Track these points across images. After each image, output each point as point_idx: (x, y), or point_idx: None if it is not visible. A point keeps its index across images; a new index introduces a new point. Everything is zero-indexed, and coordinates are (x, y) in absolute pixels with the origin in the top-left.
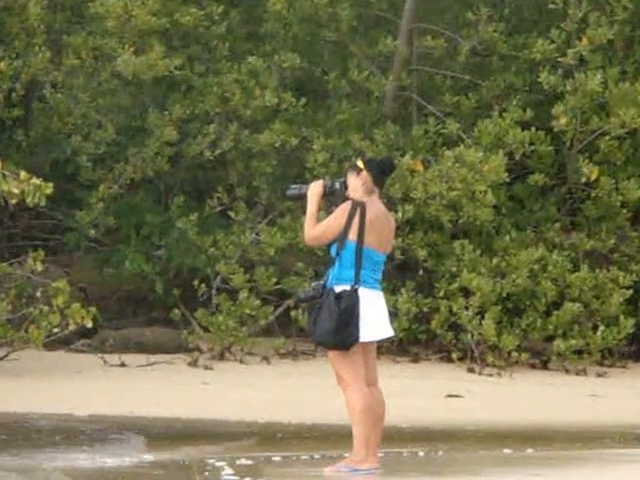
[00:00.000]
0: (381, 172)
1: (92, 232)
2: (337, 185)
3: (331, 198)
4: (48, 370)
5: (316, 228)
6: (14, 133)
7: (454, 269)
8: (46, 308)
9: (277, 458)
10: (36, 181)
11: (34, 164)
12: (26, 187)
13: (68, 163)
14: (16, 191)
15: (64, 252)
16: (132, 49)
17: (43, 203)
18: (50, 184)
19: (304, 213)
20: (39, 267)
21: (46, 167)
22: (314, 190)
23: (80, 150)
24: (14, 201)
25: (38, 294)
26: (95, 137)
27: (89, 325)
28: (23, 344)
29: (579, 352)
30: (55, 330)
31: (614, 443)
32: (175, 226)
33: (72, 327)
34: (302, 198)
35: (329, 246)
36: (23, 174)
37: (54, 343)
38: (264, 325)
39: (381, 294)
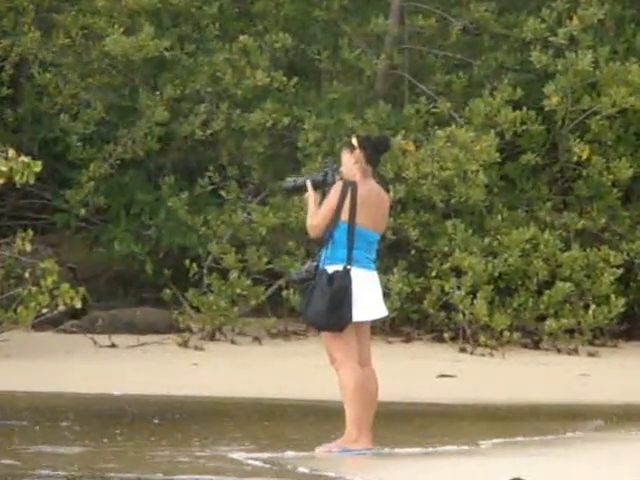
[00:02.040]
0: (375, 150)
1: (82, 211)
2: (319, 177)
3: (325, 188)
4: (37, 351)
5: (314, 217)
6: (3, 112)
7: (446, 249)
8: (35, 288)
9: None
10: (24, 159)
11: (23, 143)
12: (14, 165)
13: (57, 142)
14: (4, 169)
15: (53, 232)
16: (122, 29)
17: (32, 181)
18: (39, 162)
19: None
20: (27, 247)
21: (34, 146)
22: (309, 193)
23: (69, 129)
24: (2, 180)
25: (27, 274)
26: (84, 116)
27: (78, 305)
28: (12, 325)
29: (570, 331)
30: (44, 311)
31: (601, 421)
32: (166, 205)
33: (61, 307)
34: (298, 190)
35: None
36: (11, 152)
37: (43, 324)
38: (255, 305)
39: (375, 273)
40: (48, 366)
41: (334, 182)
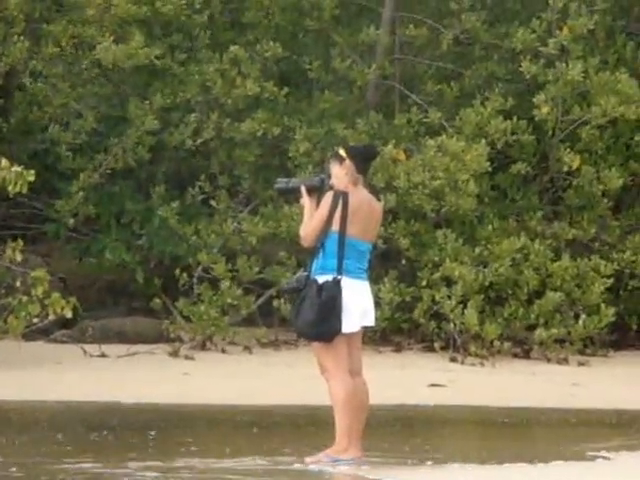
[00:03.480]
0: (364, 159)
1: (71, 221)
2: (315, 183)
3: (321, 192)
4: (27, 360)
5: (306, 227)
6: None
7: (436, 258)
8: (25, 298)
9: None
10: (17, 169)
11: (14, 153)
12: (7, 175)
13: (48, 152)
14: None
15: (44, 242)
16: (112, 38)
17: (25, 191)
18: (32, 172)
19: (286, 203)
20: (18, 257)
21: (24, 156)
22: (304, 200)
23: (60, 139)
24: None
25: (17, 284)
26: (75, 126)
27: (69, 315)
28: (2, 334)
29: (561, 341)
30: (35, 320)
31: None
32: (156, 215)
33: (52, 317)
34: (289, 192)
35: None
36: (4, 162)
37: (33, 333)
38: (246, 315)
39: (366, 283)
40: (38, 375)
41: (322, 187)
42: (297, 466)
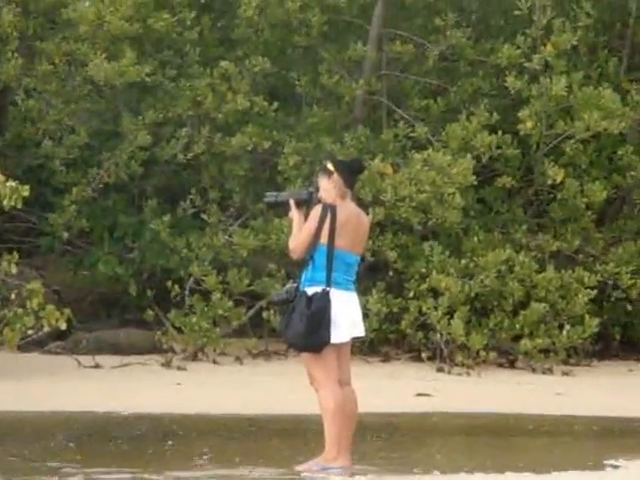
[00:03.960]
0: (351, 173)
1: (65, 235)
2: (304, 196)
3: (310, 205)
4: (22, 371)
5: (294, 240)
6: None
7: (423, 270)
8: (20, 310)
9: None
10: (12, 183)
11: (9, 168)
12: (2, 189)
13: (42, 168)
14: None
15: (38, 255)
16: (104, 55)
17: (20, 205)
18: (26, 186)
19: (276, 216)
20: (13, 269)
21: (19, 171)
22: (292, 213)
23: (53, 154)
24: None
25: (13, 296)
26: (68, 142)
27: (63, 327)
28: None
29: (545, 351)
30: (29, 332)
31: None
32: (148, 228)
33: (46, 329)
34: (278, 205)
35: None
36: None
37: (28, 345)
38: (237, 326)
39: (354, 295)
40: (34, 386)
41: (310, 200)
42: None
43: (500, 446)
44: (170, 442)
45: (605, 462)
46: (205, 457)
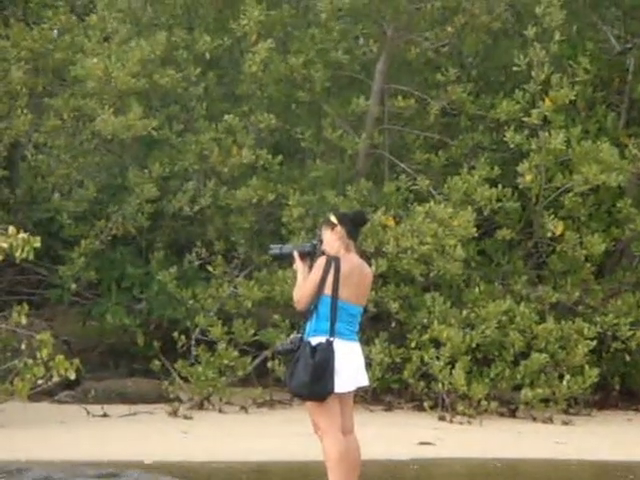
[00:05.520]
0: (354, 225)
1: (74, 286)
2: (308, 248)
3: (314, 257)
4: (32, 421)
5: (298, 291)
6: (0, 192)
7: (425, 320)
8: (30, 361)
9: None
10: (24, 235)
11: (19, 221)
12: (14, 242)
13: (52, 221)
14: (5, 245)
15: (48, 306)
16: (112, 109)
17: (31, 257)
18: (37, 238)
19: (281, 267)
20: (23, 320)
21: (29, 224)
22: (297, 265)
23: (61, 208)
24: (1, 257)
25: (23, 347)
26: (76, 195)
27: (72, 377)
28: (8, 396)
29: (546, 401)
30: (39, 382)
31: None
32: (155, 279)
33: (56, 379)
34: (283, 258)
35: None
36: (11, 229)
37: (38, 394)
38: (242, 375)
39: (357, 345)
40: (43, 435)
41: (314, 252)
42: None
43: None
44: None
45: None
46: None
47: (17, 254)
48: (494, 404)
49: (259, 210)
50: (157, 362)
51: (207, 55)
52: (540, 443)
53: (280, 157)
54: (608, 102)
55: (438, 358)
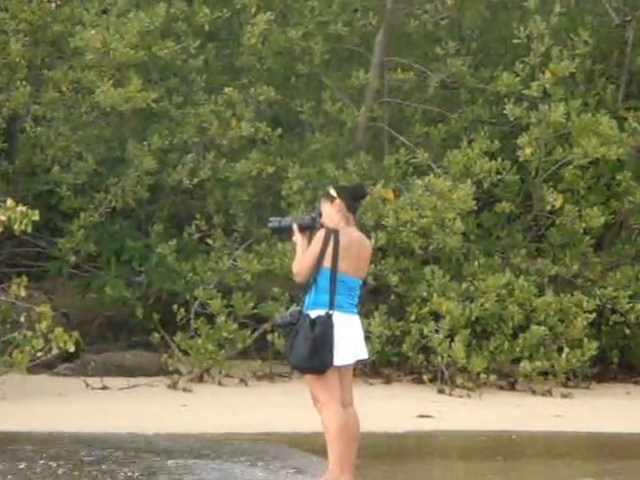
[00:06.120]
0: (353, 198)
1: (73, 259)
2: (307, 221)
3: (313, 230)
4: (31, 393)
5: (298, 263)
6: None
7: (425, 294)
8: (30, 333)
9: None
10: (22, 208)
11: (19, 194)
12: (12, 214)
13: (51, 193)
14: (3, 218)
15: (47, 279)
16: (111, 82)
17: (30, 229)
18: (36, 211)
19: (280, 240)
20: (23, 293)
21: (29, 197)
22: (296, 237)
23: (61, 180)
24: (0, 229)
25: (22, 319)
26: (75, 168)
27: (71, 349)
28: (7, 368)
29: (545, 373)
30: (39, 354)
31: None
32: (155, 252)
33: (55, 351)
34: (282, 230)
35: None
36: (10, 202)
37: (37, 367)
38: (241, 348)
39: (356, 318)
40: (43, 407)
41: (313, 225)
42: None
43: (501, 466)
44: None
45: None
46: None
47: (16, 227)
48: (493, 377)
49: (258, 183)
50: (156, 335)
51: (206, 27)
52: (539, 416)
53: (279, 130)
54: (607, 75)
55: (437, 331)
